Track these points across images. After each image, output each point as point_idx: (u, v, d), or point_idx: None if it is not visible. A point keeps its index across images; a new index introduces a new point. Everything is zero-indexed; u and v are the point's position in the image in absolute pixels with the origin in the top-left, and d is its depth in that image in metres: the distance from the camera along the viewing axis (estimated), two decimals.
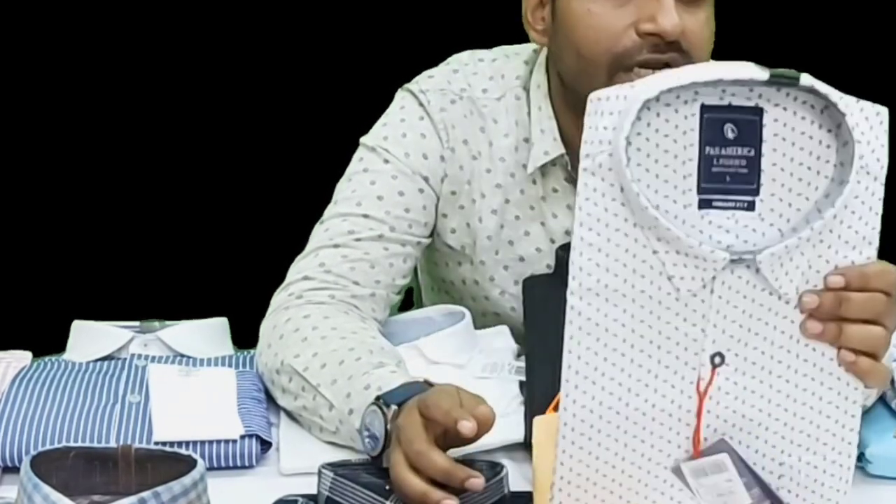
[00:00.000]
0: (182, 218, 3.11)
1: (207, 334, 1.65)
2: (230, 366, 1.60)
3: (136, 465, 1.22)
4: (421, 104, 1.68)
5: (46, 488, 1.16)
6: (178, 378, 1.53)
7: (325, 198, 1.68)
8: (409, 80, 1.72)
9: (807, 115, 1.10)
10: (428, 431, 1.23)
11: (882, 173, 1.11)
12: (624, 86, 1.09)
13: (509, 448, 1.39)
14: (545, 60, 1.67)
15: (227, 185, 3.08)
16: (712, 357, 1.12)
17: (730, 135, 1.10)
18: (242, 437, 1.43)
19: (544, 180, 1.67)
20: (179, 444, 1.37)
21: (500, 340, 1.64)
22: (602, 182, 1.08)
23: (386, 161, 1.66)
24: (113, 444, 1.29)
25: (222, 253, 2.97)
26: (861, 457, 1.39)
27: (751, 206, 1.10)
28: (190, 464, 1.20)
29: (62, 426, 1.44)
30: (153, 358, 1.61)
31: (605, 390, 1.11)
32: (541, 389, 1.41)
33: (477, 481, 1.19)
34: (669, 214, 1.09)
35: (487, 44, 1.76)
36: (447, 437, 1.23)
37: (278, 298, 1.59)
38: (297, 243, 1.66)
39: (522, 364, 1.54)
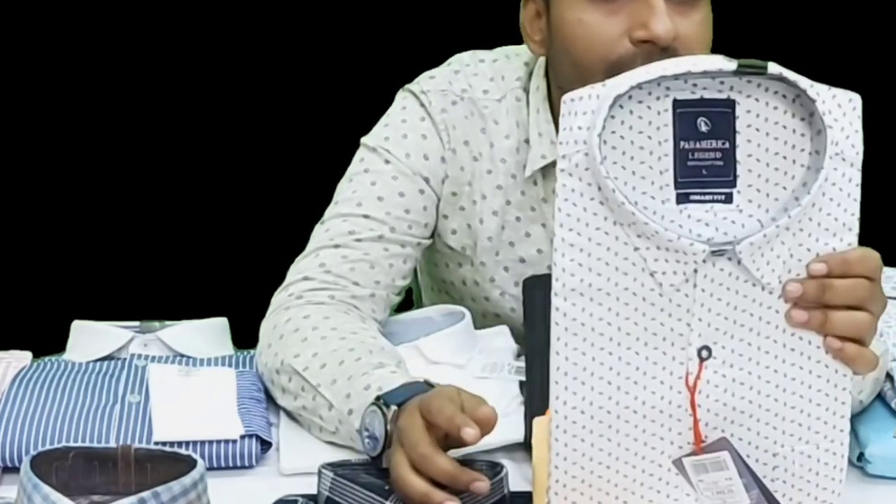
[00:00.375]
0: (182, 218, 3.11)
1: (207, 334, 1.65)
2: (230, 366, 1.60)
3: (135, 465, 1.22)
4: (422, 105, 1.68)
5: (46, 488, 1.15)
6: (178, 378, 1.53)
7: (326, 198, 1.68)
8: (410, 80, 1.72)
9: (779, 105, 1.10)
10: (430, 434, 1.23)
11: (858, 159, 1.12)
12: (596, 85, 1.10)
13: (509, 448, 1.39)
14: (545, 64, 1.67)
15: (227, 185, 3.09)
16: (699, 351, 1.12)
17: (703, 128, 1.10)
18: (242, 437, 1.43)
19: (545, 182, 1.67)
20: (179, 444, 1.37)
21: (500, 340, 1.64)
22: (579, 182, 1.09)
23: (387, 162, 1.66)
24: (113, 444, 1.29)
25: (222, 253, 2.97)
26: (860, 457, 1.39)
27: (728, 199, 1.11)
28: (190, 464, 1.20)
29: (62, 426, 1.44)
30: (153, 358, 1.61)
31: (594, 390, 1.12)
32: (541, 389, 1.39)
33: (482, 484, 1.19)
34: (648, 210, 1.10)
35: (488, 44, 1.76)
36: (448, 439, 1.24)
37: (278, 298, 1.59)
38: (297, 243, 1.66)
39: (522, 364, 1.54)
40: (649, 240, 1.09)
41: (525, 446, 1.35)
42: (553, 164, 1.63)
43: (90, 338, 1.63)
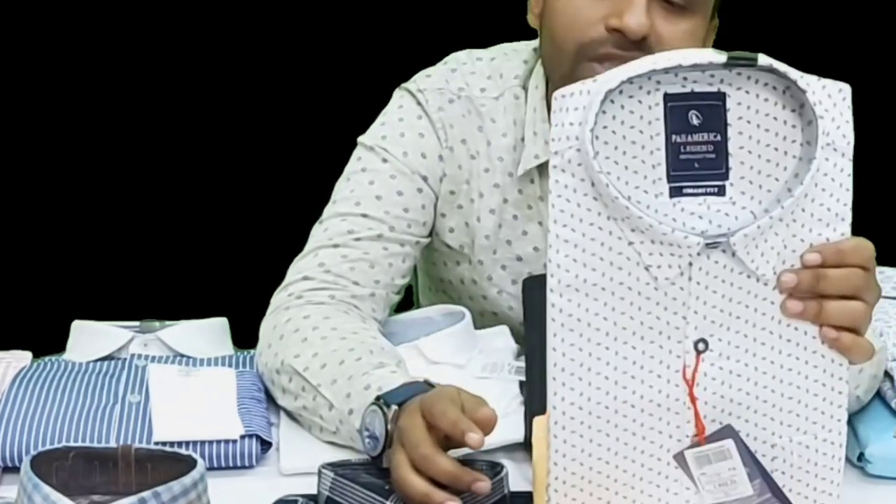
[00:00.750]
0: (182, 218, 3.11)
1: (207, 334, 1.65)
2: (230, 366, 1.60)
3: (136, 465, 1.22)
4: (419, 103, 1.68)
5: (46, 488, 1.15)
6: (178, 378, 1.53)
7: (325, 198, 1.68)
8: (407, 79, 1.72)
9: (769, 97, 1.11)
10: (431, 434, 1.23)
11: (849, 149, 1.12)
12: (587, 81, 1.10)
13: (509, 448, 1.39)
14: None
15: (226, 185, 3.09)
16: (696, 344, 1.12)
17: (695, 121, 1.11)
18: (242, 437, 1.43)
19: (542, 180, 1.67)
20: (179, 444, 1.38)
21: (500, 340, 1.65)
22: (572, 178, 1.09)
23: (384, 160, 1.66)
24: (113, 444, 1.29)
25: (222, 253, 2.97)
26: (861, 456, 1.40)
27: (721, 191, 1.11)
28: (190, 464, 1.20)
29: (62, 426, 1.44)
30: (153, 358, 1.61)
31: (591, 385, 1.12)
32: (541, 389, 1.39)
33: (483, 485, 1.19)
34: (641, 204, 1.10)
35: (486, 43, 1.76)
36: (449, 439, 1.24)
37: (278, 298, 1.60)
38: (297, 243, 1.67)
39: (522, 364, 1.54)
40: (643, 234, 1.09)
41: (525, 446, 1.35)
42: (547, 163, 1.64)
43: (90, 338, 1.63)
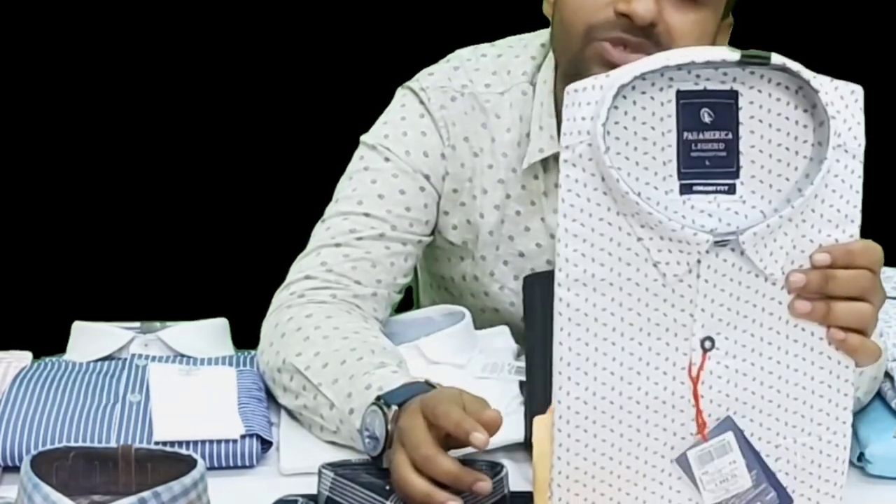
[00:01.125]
0: (182, 219, 3.11)
1: (208, 335, 1.65)
2: (231, 365, 1.60)
3: (136, 465, 1.22)
4: (421, 102, 1.69)
5: (46, 488, 1.15)
6: (179, 377, 1.53)
7: (326, 197, 1.69)
8: (410, 77, 1.72)
9: (782, 97, 1.11)
10: (432, 434, 1.23)
11: (860, 151, 1.13)
12: (599, 76, 1.10)
13: (509, 448, 1.39)
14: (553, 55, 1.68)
15: (227, 185, 3.09)
16: (702, 341, 1.13)
17: (707, 119, 1.11)
18: (243, 436, 1.43)
19: (546, 175, 1.67)
20: (180, 443, 1.38)
21: (500, 340, 1.65)
22: (583, 172, 1.09)
23: (387, 159, 1.66)
24: (113, 444, 1.29)
25: (222, 254, 2.97)
26: (861, 457, 1.40)
27: (731, 190, 1.11)
28: (190, 464, 1.20)
29: (62, 426, 1.44)
30: (154, 358, 1.61)
31: (597, 380, 1.12)
32: (541, 389, 1.41)
33: (485, 485, 1.20)
34: (651, 201, 1.10)
35: (492, 40, 1.76)
36: (449, 439, 1.24)
37: (280, 297, 1.60)
38: (298, 243, 1.67)
39: (522, 364, 1.54)
40: (653, 230, 1.09)
41: (525, 446, 1.36)
42: (553, 157, 1.64)
43: (91, 338, 1.63)
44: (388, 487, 1.24)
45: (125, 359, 1.61)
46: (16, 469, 1.30)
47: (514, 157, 1.67)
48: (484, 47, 1.74)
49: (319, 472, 1.27)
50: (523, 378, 1.52)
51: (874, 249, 1.16)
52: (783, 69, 1.09)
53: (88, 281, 3.05)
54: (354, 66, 2.99)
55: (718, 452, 1.14)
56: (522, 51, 1.71)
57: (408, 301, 1.89)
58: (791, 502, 1.16)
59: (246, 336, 1.65)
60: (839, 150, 1.11)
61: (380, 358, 1.44)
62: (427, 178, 1.67)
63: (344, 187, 1.67)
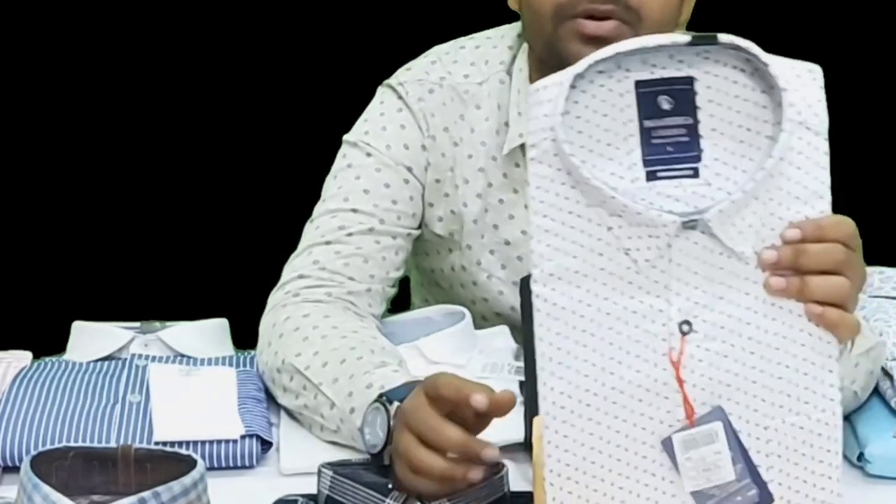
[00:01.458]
0: (182, 219, 3.11)
1: (208, 335, 1.66)
2: (231, 365, 1.60)
3: (135, 465, 1.23)
4: (399, 96, 1.70)
5: (46, 488, 1.16)
6: (179, 377, 1.54)
7: None
8: None
9: (738, 79, 1.12)
10: (435, 409, 1.23)
11: (823, 128, 1.14)
12: (557, 74, 1.12)
13: (509, 448, 1.38)
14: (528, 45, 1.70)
15: (226, 186, 3.09)
16: (680, 325, 1.13)
17: (666, 106, 1.13)
18: (243, 436, 1.43)
19: (526, 163, 1.68)
20: (180, 444, 1.38)
21: (500, 340, 1.65)
22: (549, 168, 1.11)
23: (368, 154, 1.67)
24: (113, 444, 1.29)
25: (222, 254, 2.97)
26: (860, 456, 1.40)
27: (696, 173, 1.13)
28: (190, 464, 1.20)
29: (62, 426, 1.44)
30: (154, 358, 1.61)
31: (580, 373, 1.13)
32: None
33: (492, 451, 1.19)
34: (619, 191, 1.11)
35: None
36: (452, 416, 1.23)
37: (275, 297, 1.60)
38: (297, 243, 1.67)
39: (522, 364, 1.54)
40: (621, 217, 1.11)
41: (525, 446, 1.35)
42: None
43: (91, 338, 1.63)
44: (389, 486, 1.24)
45: (125, 359, 1.61)
46: (16, 469, 1.30)
47: (493, 145, 1.68)
48: (462, 40, 1.75)
49: (319, 472, 1.27)
50: (523, 378, 1.50)
51: (845, 223, 1.16)
52: (735, 48, 1.11)
53: (88, 281, 3.05)
54: (353, 68, 2.99)
55: (705, 440, 1.13)
56: (499, 41, 1.73)
57: (404, 297, 1.89)
58: (772, 500, 1.15)
59: (246, 336, 1.65)
60: (800, 128, 1.12)
61: (380, 357, 1.44)
62: (410, 170, 1.68)
63: (330, 186, 1.68)
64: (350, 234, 1.62)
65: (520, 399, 1.46)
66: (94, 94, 3.08)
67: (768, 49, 1.13)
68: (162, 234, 3.11)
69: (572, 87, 1.11)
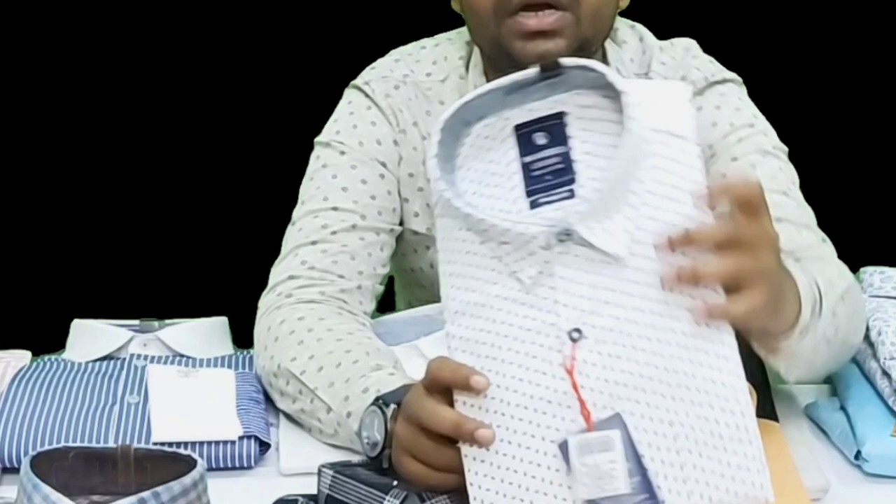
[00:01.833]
0: (181, 217, 3.12)
1: (207, 334, 1.66)
2: (230, 366, 1.61)
3: (135, 465, 1.23)
4: (366, 95, 1.71)
5: (46, 488, 1.16)
6: (178, 379, 1.54)
7: None
8: None
9: (603, 104, 1.21)
10: (433, 394, 1.23)
11: (693, 135, 1.18)
12: (432, 137, 1.23)
13: None
14: None
15: (225, 184, 3.10)
16: (570, 334, 1.16)
17: (542, 141, 1.22)
18: (241, 437, 1.44)
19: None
20: (178, 444, 1.36)
21: None
22: (449, 219, 1.22)
23: (342, 153, 1.68)
24: (112, 444, 1.30)
25: (222, 252, 2.98)
26: (858, 455, 1.40)
27: (572, 194, 1.20)
28: (190, 464, 1.20)
29: (61, 426, 1.44)
30: (152, 358, 1.62)
31: (488, 396, 1.18)
32: None
33: (487, 432, 1.18)
34: (506, 222, 1.19)
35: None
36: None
37: (267, 300, 1.60)
38: None
39: None
40: (507, 244, 1.18)
41: None
42: None
43: (90, 337, 1.63)
44: (392, 483, 1.24)
45: (124, 359, 1.61)
46: (15, 469, 1.31)
47: None
48: (424, 41, 1.77)
49: (319, 472, 1.27)
50: None
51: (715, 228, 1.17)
52: (584, 69, 1.19)
53: (87, 279, 3.05)
54: (354, 69, 2.99)
55: (600, 447, 1.14)
56: (457, 38, 1.75)
57: (390, 300, 1.89)
58: None
59: (246, 335, 1.64)
60: (667, 136, 1.17)
61: (375, 360, 1.44)
62: (384, 164, 1.69)
63: (307, 188, 1.68)
64: (334, 233, 1.63)
65: None
66: (93, 94, 3.09)
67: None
68: (161, 232, 3.12)
69: (460, 140, 1.24)
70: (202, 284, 2.82)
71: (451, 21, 1.77)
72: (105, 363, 1.60)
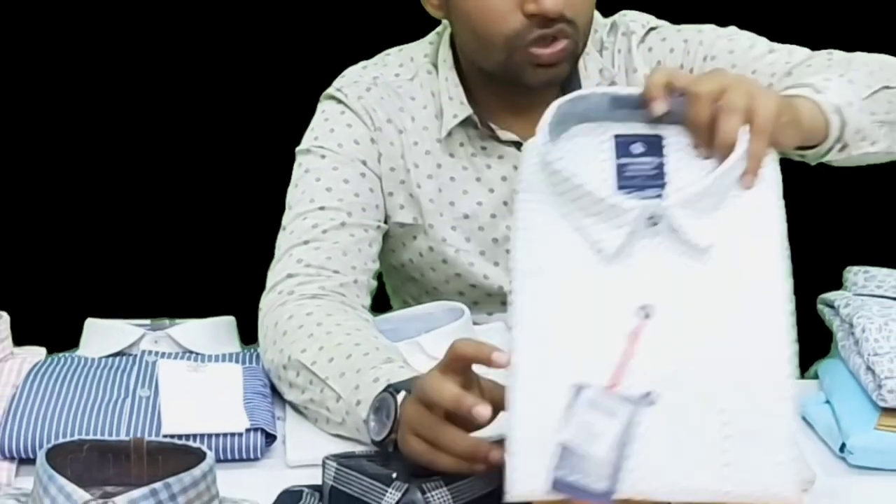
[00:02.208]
0: (191, 220, 3.11)
1: (215, 332, 1.66)
2: (237, 362, 1.61)
3: (147, 458, 1.24)
4: (339, 101, 1.74)
5: (61, 479, 1.17)
6: (187, 373, 1.54)
7: None
8: None
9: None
10: (452, 376, 1.24)
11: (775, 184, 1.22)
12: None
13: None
14: (449, 34, 1.75)
15: (231, 195, 3.08)
16: (641, 308, 1.17)
17: (638, 150, 1.24)
18: (248, 430, 1.44)
19: (471, 140, 1.73)
20: (187, 437, 1.38)
21: (498, 336, 1.63)
22: (532, 194, 1.22)
23: (323, 157, 1.71)
24: (124, 436, 1.31)
25: (228, 257, 2.96)
26: (843, 447, 1.41)
27: (661, 197, 1.20)
28: (199, 456, 1.21)
29: (75, 419, 1.45)
30: (163, 354, 1.62)
31: (550, 341, 1.17)
32: None
33: (484, 409, 1.20)
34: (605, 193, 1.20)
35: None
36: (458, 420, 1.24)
37: (269, 299, 1.61)
38: None
39: None
40: (594, 216, 1.19)
41: None
42: (473, 125, 1.73)
43: (103, 334, 1.64)
44: (392, 475, 1.25)
45: (135, 355, 1.61)
46: (31, 461, 1.31)
47: (434, 128, 1.74)
48: (388, 50, 1.81)
49: (323, 463, 1.28)
50: None
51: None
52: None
53: (101, 279, 3.04)
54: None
55: (607, 410, 1.14)
56: (418, 43, 1.79)
57: (384, 301, 1.90)
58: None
59: (252, 332, 1.65)
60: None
61: (385, 354, 1.45)
62: (364, 163, 1.71)
63: (293, 194, 1.71)
64: (325, 231, 1.65)
65: None
66: (104, 94, 3.07)
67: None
68: (172, 236, 3.10)
69: (557, 134, 1.23)
70: (210, 286, 2.81)
71: (420, 34, 1.81)
72: (117, 359, 1.60)
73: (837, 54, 1.67)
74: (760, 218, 1.19)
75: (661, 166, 1.23)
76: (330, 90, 1.77)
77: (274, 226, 1.71)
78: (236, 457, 1.43)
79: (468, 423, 1.23)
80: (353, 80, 1.76)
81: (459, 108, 1.72)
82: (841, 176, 1.73)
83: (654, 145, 1.23)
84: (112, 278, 3.05)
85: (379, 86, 1.75)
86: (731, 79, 1.24)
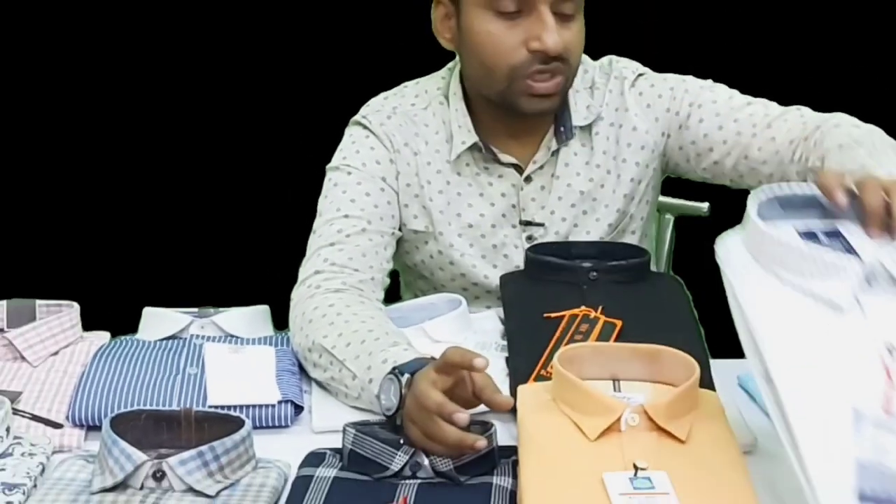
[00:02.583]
0: (237, 226, 3.16)
1: (252, 318, 1.70)
2: (271, 344, 1.64)
3: (195, 425, 1.30)
4: (364, 126, 1.80)
5: (123, 443, 1.25)
6: (228, 354, 1.58)
7: None
8: None
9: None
10: (437, 386, 1.31)
11: None
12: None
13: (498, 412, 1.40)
14: (458, 67, 1.79)
15: (272, 199, 3.10)
16: (888, 347, 1.17)
17: (824, 238, 1.28)
18: (280, 402, 1.48)
19: (475, 162, 1.78)
20: (229, 407, 1.42)
21: (490, 323, 1.71)
22: (747, 276, 1.22)
23: (349, 173, 1.76)
24: (175, 407, 1.35)
25: (267, 253, 2.98)
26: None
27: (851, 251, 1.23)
28: (239, 423, 1.28)
29: (134, 393, 1.48)
30: (208, 337, 1.66)
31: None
32: (521, 364, 1.50)
33: (462, 416, 1.27)
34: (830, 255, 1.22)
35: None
36: (454, 397, 1.31)
37: (299, 292, 1.66)
38: None
39: (506, 343, 1.61)
40: (813, 278, 1.20)
41: (510, 410, 1.39)
42: (477, 148, 1.77)
43: (157, 321, 1.68)
44: (401, 441, 1.30)
45: (185, 338, 1.65)
46: (97, 428, 1.36)
47: (445, 151, 1.79)
48: (406, 83, 1.86)
49: (344, 430, 1.33)
50: (506, 354, 1.58)
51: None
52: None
53: (157, 274, 3.09)
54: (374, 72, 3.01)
55: (888, 430, 1.13)
56: (432, 76, 1.84)
57: (396, 294, 1.94)
58: None
59: (284, 320, 1.70)
60: None
61: (393, 338, 1.50)
62: (384, 179, 1.76)
63: (323, 203, 1.76)
64: (348, 236, 1.70)
65: (506, 371, 1.55)
66: (139, 94, 3.06)
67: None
68: (218, 237, 3.16)
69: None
70: (249, 280, 2.80)
71: (434, 68, 1.85)
72: (170, 342, 1.64)
73: (806, 111, 1.69)
74: None
75: (850, 246, 1.23)
76: (357, 117, 1.82)
77: (305, 230, 1.78)
78: (270, 424, 1.47)
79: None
80: (376, 108, 1.81)
81: (467, 135, 1.76)
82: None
83: (834, 233, 1.25)
84: (166, 273, 3.10)
85: (398, 114, 1.79)
86: (887, 178, 1.28)
